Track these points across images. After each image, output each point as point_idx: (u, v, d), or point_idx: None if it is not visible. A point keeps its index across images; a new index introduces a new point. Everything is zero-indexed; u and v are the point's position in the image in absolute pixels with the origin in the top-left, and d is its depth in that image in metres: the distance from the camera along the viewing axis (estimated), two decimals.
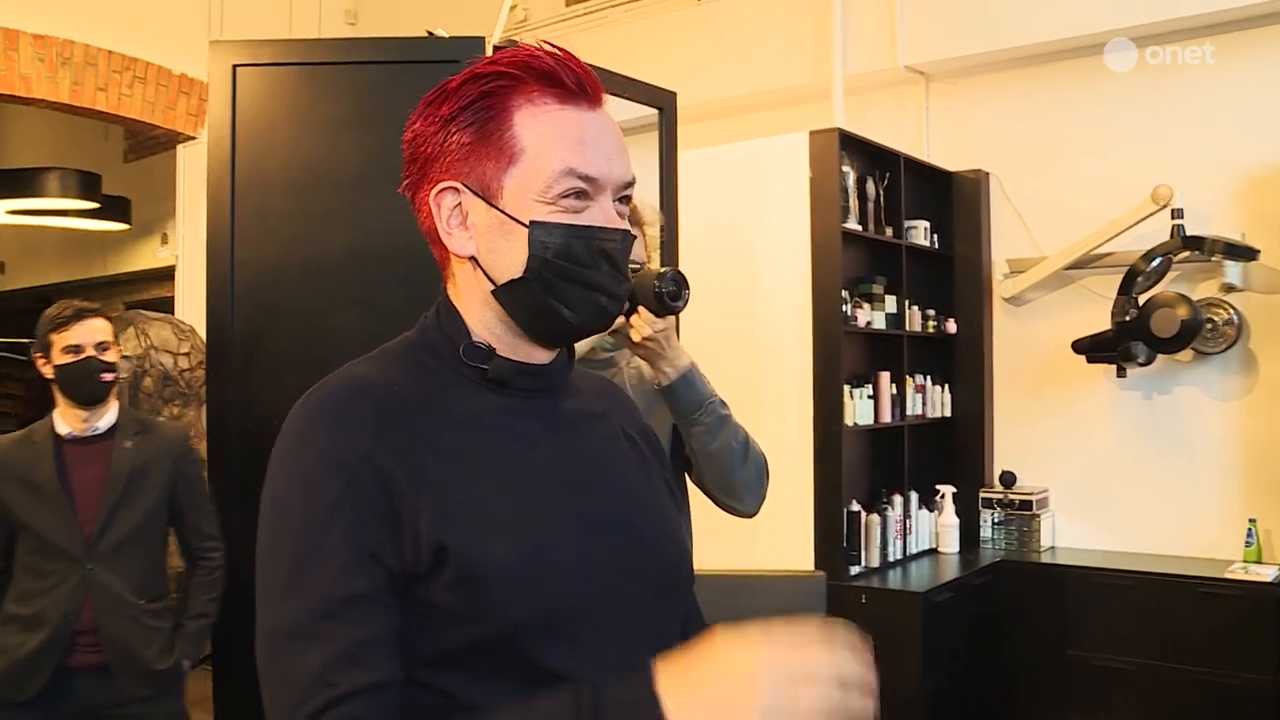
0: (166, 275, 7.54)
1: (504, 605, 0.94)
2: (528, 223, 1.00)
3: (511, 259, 1.01)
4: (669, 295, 1.75)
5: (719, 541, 4.11)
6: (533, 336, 1.06)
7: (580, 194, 1.01)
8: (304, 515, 0.93)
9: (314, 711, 0.86)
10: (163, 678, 2.74)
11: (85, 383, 2.71)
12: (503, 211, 1.01)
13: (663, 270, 1.77)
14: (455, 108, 1.02)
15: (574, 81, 1.02)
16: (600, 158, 1.01)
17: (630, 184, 1.05)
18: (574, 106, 1.02)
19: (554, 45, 1.03)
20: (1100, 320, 4.33)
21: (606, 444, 1.13)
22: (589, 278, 1.02)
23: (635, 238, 1.10)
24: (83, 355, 2.71)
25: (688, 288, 1.77)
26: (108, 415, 2.78)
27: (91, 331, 2.73)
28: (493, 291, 1.04)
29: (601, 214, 1.02)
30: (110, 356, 2.74)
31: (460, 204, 1.03)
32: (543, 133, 1.00)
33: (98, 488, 2.71)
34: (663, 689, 0.83)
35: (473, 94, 1.01)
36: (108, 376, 2.73)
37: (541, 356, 1.08)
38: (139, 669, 2.70)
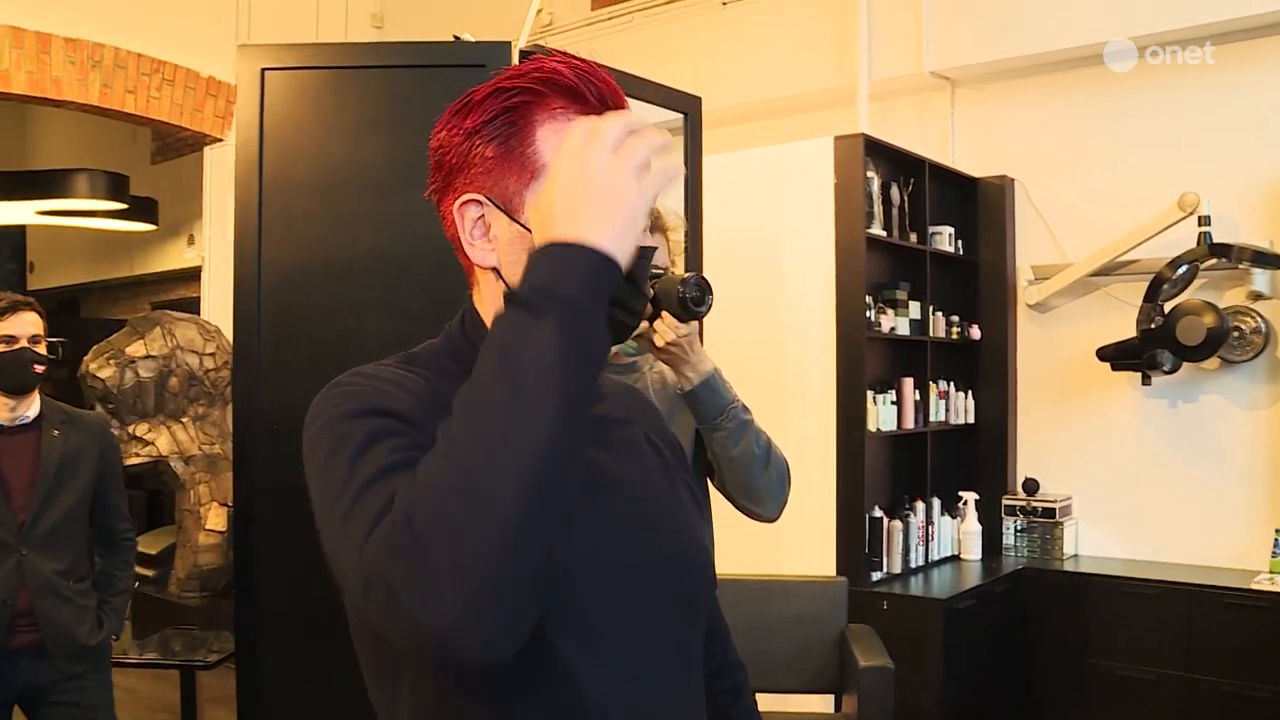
0: (192, 276, 7.61)
1: None
2: (539, 245, 0.98)
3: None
4: (692, 300, 1.75)
5: (742, 546, 4.12)
6: None
7: None
8: (345, 442, 0.92)
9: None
10: (94, 653, 2.89)
11: (18, 372, 2.80)
12: (524, 226, 1.01)
13: (686, 276, 1.78)
14: (479, 121, 1.02)
15: (596, 96, 1.02)
16: None
17: (653, 209, 1.04)
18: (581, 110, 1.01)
19: (577, 57, 1.03)
20: (1125, 328, 4.31)
21: (628, 449, 1.13)
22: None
23: (655, 249, 1.10)
24: (16, 345, 2.80)
25: (711, 293, 1.78)
26: (33, 405, 2.89)
27: (26, 323, 2.85)
28: (505, 295, 1.04)
29: None
30: (42, 349, 2.86)
31: (483, 216, 1.03)
32: None
33: (29, 476, 2.81)
34: (556, 236, 0.88)
35: (496, 108, 1.02)
36: (40, 368, 2.84)
37: None
38: (73, 646, 2.82)
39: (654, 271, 1.76)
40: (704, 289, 1.77)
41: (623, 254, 0.89)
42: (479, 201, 1.03)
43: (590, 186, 0.89)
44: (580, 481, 1.03)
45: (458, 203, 1.04)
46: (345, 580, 0.86)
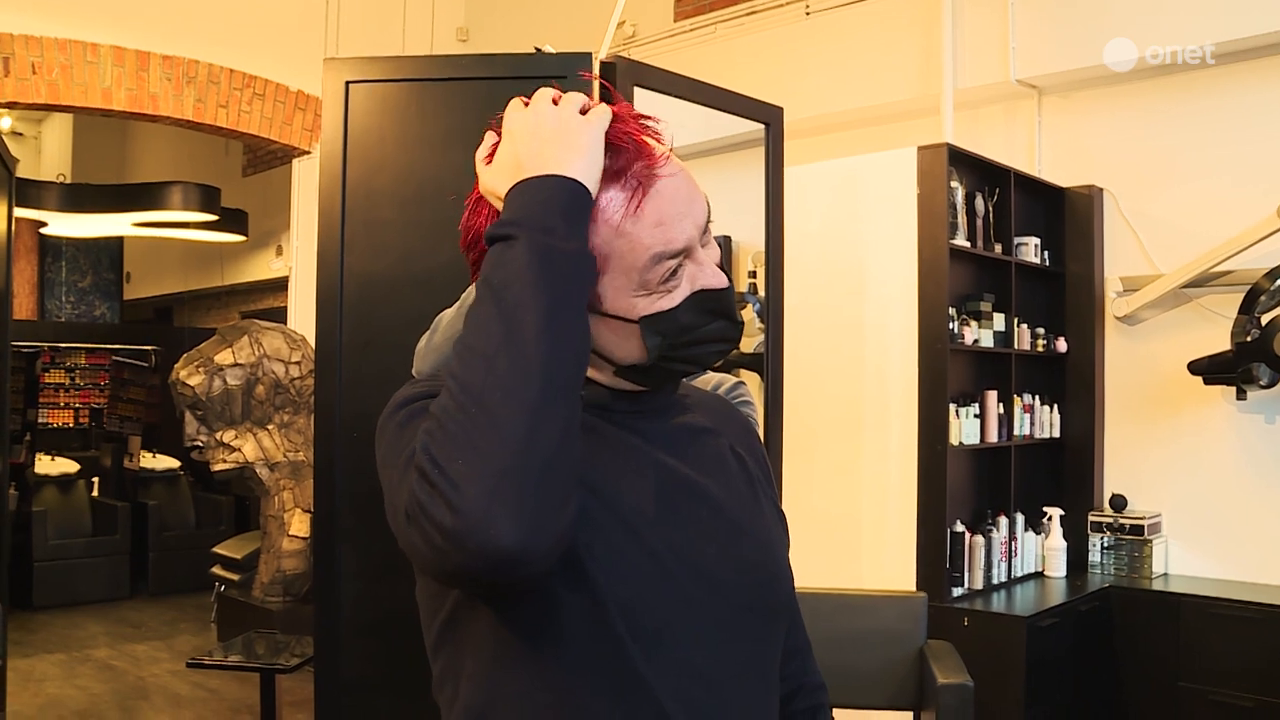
0: (280, 286, 7.77)
1: (592, 581, 0.96)
2: (637, 319, 1.01)
3: (629, 348, 1.02)
4: None
5: (822, 560, 4.09)
6: (657, 389, 1.09)
7: (675, 270, 1.01)
8: (401, 427, 0.98)
9: None
10: None
11: None
12: (610, 316, 1.02)
13: None
14: None
15: (632, 148, 1.01)
16: (679, 225, 1.01)
17: (709, 215, 1.05)
18: (629, 180, 1.00)
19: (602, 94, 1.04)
20: (1219, 340, 4.18)
21: (712, 460, 1.13)
22: (707, 335, 1.04)
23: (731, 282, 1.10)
24: None
25: None
26: None
27: None
28: (615, 371, 1.05)
29: (699, 271, 1.03)
30: None
31: None
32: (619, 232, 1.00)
33: None
34: (525, 174, 0.95)
35: None
36: None
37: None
38: None
39: None
40: None
41: (590, 183, 0.95)
42: None
43: (545, 129, 0.97)
44: (656, 485, 1.04)
45: None
46: (397, 526, 0.90)
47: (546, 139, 0.95)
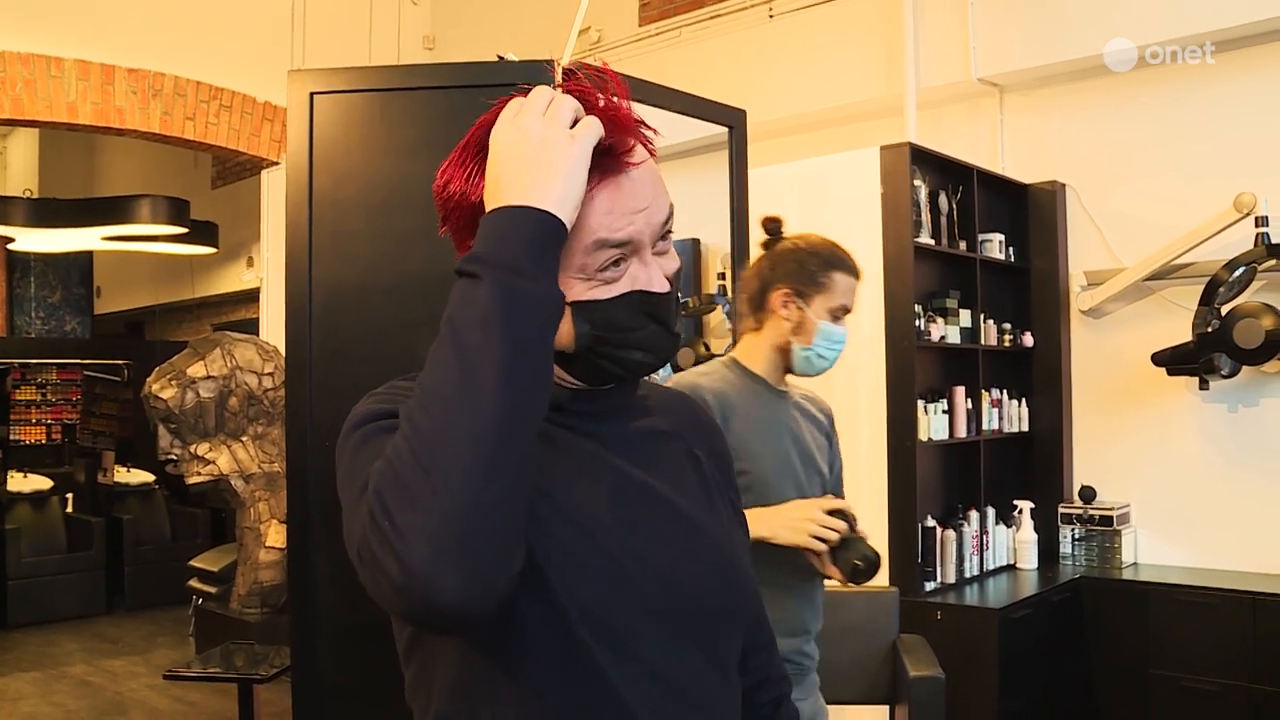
0: (252, 297, 7.76)
1: (553, 588, 0.97)
2: (569, 302, 0.99)
3: (560, 332, 0.99)
4: (858, 573, 2.05)
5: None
6: (588, 384, 1.08)
7: (617, 260, 1.00)
8: (360, 445, 0.97)
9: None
10: None
11: None
12: None
13: (871, 554, 2.05)
14: (477, 173, 1.02)
15: (611, 134, 0.99)
16: (628, 218, 1.00)
17: (668, 220, 1.04)
18: (596, 165, 0.97)
19: (579, 76, 1.02)
20: (1181, 332, 4.24)
21: (670, 465, 1.14)
22: (636, 339, 1.03)
23: (677, 290, 1.09)
24: None
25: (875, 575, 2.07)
26: None
27: None
28: None
29: (642, 272, 1.02)
30: None
31: None
32: None
33: None
34: (500, 202, 0.92)
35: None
36: None
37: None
38: None
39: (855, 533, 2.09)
40: (872, 573, 2.06)
41: (567, 211, 0.92)
42: None
43: (527, 150, 0.93)
44: (612, 490, 1.06)
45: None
46: (352, 556, 0.90)
47: (525, 162, 0.92)
